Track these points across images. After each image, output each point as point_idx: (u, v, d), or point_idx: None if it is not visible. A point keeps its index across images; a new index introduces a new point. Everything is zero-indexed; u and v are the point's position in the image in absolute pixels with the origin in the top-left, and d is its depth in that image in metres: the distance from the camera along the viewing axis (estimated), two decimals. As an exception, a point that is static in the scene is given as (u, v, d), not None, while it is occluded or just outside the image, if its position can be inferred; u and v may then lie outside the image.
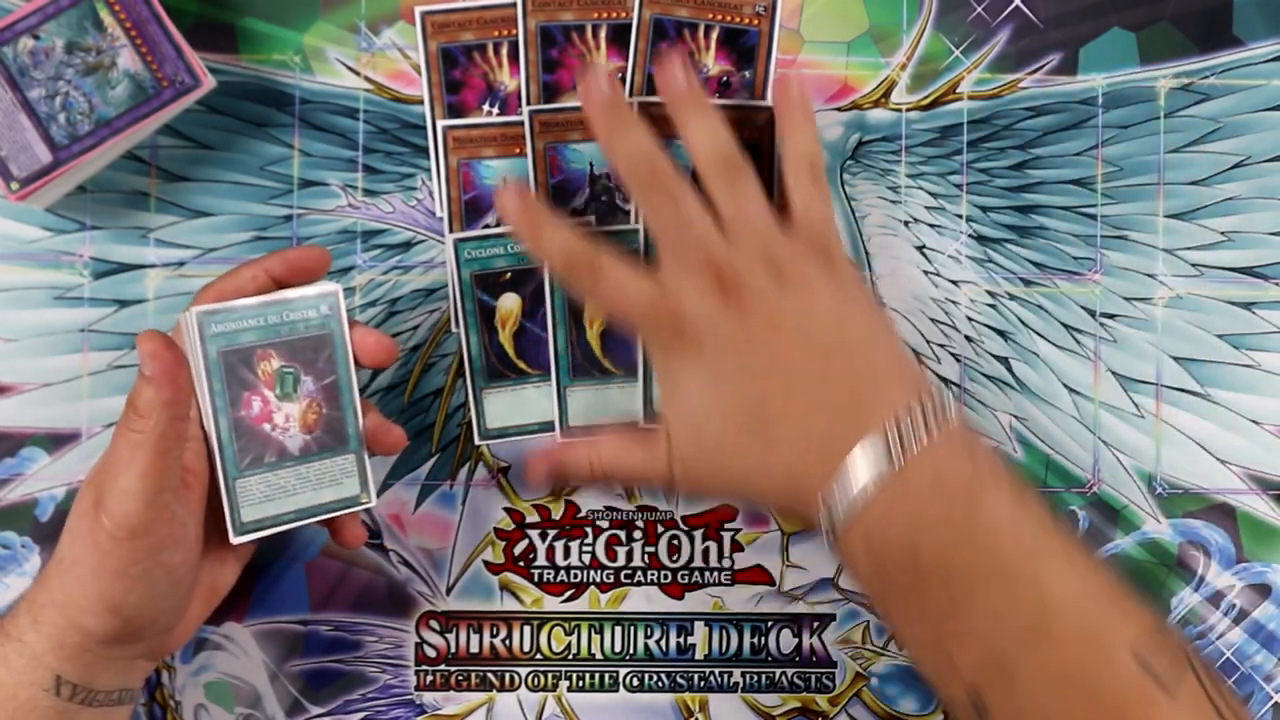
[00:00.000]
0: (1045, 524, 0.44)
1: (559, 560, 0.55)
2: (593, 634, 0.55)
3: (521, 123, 0.53)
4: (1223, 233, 0.56)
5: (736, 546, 0.55)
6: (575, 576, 0.55)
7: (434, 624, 0.55)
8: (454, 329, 0.54)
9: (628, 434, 0.51)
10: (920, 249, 0.56)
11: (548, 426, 0.54)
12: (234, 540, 0.47)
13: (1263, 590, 0.56)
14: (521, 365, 0.54)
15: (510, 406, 0.54)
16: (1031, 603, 0.42)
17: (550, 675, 0.55)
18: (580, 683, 0.55)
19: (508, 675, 0.55)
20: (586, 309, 0.53)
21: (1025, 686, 0.42)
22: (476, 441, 0.54)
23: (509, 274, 0.53)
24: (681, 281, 0.47)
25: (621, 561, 0.55)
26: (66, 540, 0.45)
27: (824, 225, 0.49)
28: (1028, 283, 0.56)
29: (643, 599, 0.55)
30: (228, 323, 0.47)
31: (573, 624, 0.55)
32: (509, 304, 0.54)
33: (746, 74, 0.54)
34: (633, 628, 0.55)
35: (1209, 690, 0.41)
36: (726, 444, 0.46)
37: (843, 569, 0.49)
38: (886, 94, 0.56)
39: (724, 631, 0.55)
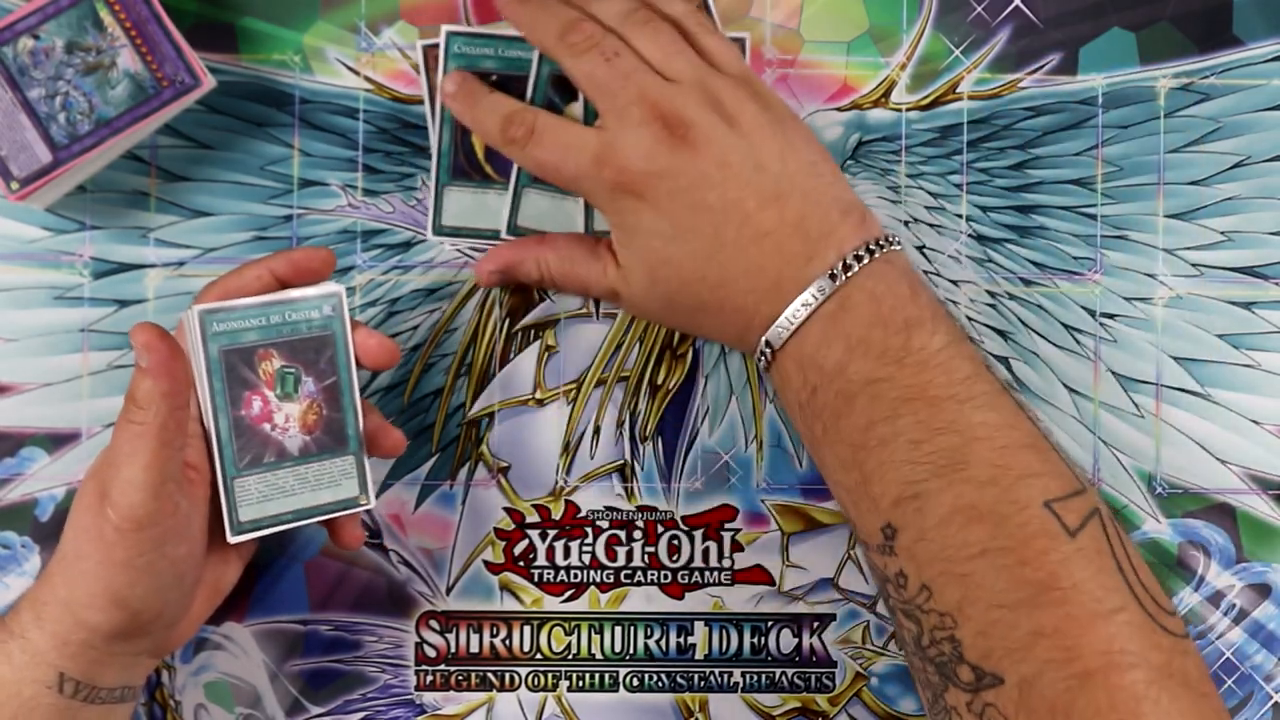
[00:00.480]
0: (978, 366, 0.45)
1: (559, 560, 0.55)
2: (593, 634, 0.55)
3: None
4: (1223, 233, 0.56)
5: (736, 546, 0.55)
6: (575, 576, 0.55)
7: (434, 624, 0.55)
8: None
9: (579, 243, 0.52)
10: (920, 249, 0.56)
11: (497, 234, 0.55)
12: (231, 539, 0.47)
13: (1263, 590, 0.56)
14: (489, 170, 0.54)
15: (469, 208, 0.54)
16: (951, 436, 0.43)
17: (550, 675, 0.55)
18: (580, 683, 0.55)
19: (508, 675, 0.55)
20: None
21: (934, 517, 0.43)
22: (429, 237, 0.54)
23: (495, 77, 0.53)
24: (626, 133, 0.47)
25: (621, 561, 0.55)
26: (70, 535, 0.45)
27: (745, 65, 0.50)
28: (1028, 283, 0.56)
29: (643, 599, 0.55)
30: (229, 321, 0.47)
31: (573, 624, 0.55)
32: None
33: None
34: (633, 628, 0.55)
35: (1111, 540, 0.42)
36: (681, 282, 0.48)
37: (775, 396, 0.51)
38: (886, 94, 0.56)
39: (724, 631, 0.55)
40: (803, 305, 0.46)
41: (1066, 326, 0.56)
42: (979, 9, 0.56)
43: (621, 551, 0.55)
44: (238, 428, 0.47)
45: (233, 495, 0.47)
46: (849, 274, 0.45)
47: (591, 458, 0.55)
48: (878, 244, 0.46)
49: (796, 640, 0.55)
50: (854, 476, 0.45)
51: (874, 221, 0.48)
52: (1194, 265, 0.56)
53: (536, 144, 0.49)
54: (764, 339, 0.47)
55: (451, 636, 0.55)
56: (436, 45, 0.53)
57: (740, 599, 0.55)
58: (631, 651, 0.55)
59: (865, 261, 0.46)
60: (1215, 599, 0.55)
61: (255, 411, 0.47)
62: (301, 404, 0.48)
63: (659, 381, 0.55)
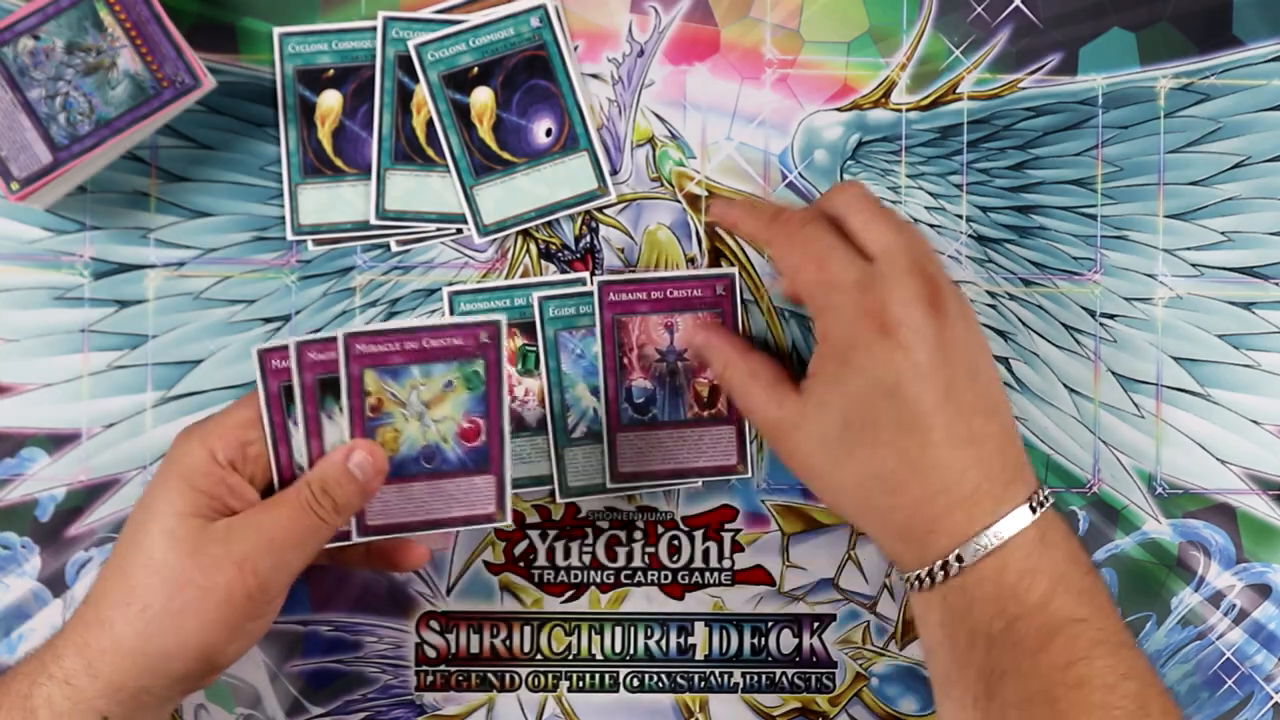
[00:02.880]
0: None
1: (559, 561, 0.55)
2: (593, 634, 0.55)
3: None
4: (1223, 233, 0.56)
5: (737, 547, 0.55)
6: (575, 577, 0.55)
7: (434, 624, 0.55)
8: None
9: (769, 367, 0.49)
10: (920, 249, 0.56)
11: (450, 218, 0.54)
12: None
13: (1263, 590, 0.56)
14: (430, 153, 0.54)
15: (412, 191, 0.54)
16: (1133, 682, 0.43)
17: (550, 675, 0.55)
18: (580, 683, 0.55)
19: (508, 675, 0.55)
20: None
21: None
22: (372, 220, 0.54)
23: (331, 71, 0.54)
24: (895, 275, 0.45)
25: (622, 562, 0.55)
26: (167, 589, 0.44)
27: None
28: (1028, 283, 0.56)
29: (643, 599, 0.55)
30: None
31: (573, 624, 0.55)
32: (330, 101, 0.54)
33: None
34: (633, 628, 0.55)
35: None
36: (876, 443, 0.45)
37: (917, 617, 0.48)
38: (886, 94, 0.56)
39: (724, 632, 0.55)
40: (1009, 528, 0.44)
41: (1067, 327, 0.56)
42: (979, 9, 0.56)
43: (622, 552, 0.55)
44: None
45: None
46: (1042, 508, 0.45)
47: (592, 458, 0.55)
48: (1047, 488, 0.46)
49: (797, 641, 0.55)
50: (1041, 714, 0.43)
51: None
52: (1194, 265, 0.56)
53: (807, 238, 0.47)
54: (955, 552, 0.44)
55: (452, 637, 0.55)
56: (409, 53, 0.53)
57: (740, 599, 0.55)
58: (632, 652, 0.55)
59: (1050, 503, 0.45)
60: (1215, 599, 0.55)
61: None
62: (463, 421, 0.49)
63: (659, 382, 0.55)
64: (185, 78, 0.50)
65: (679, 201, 0.55)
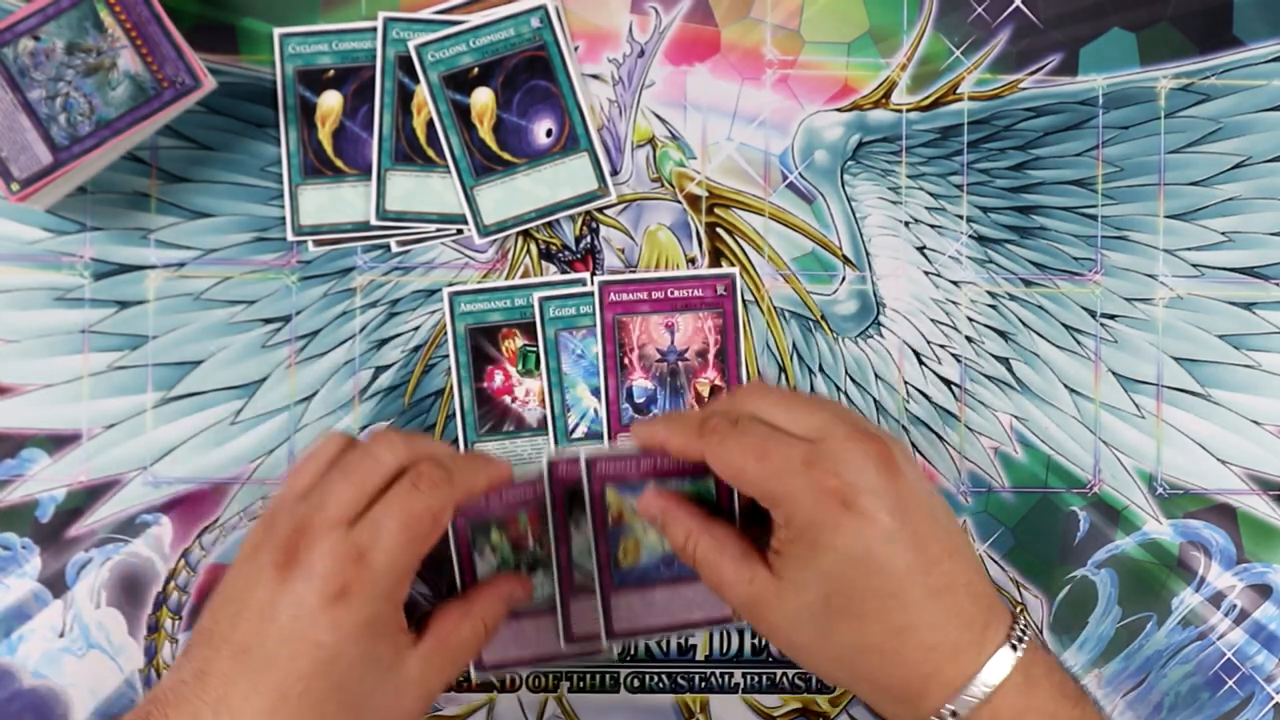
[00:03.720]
0: None
1: (560, 561, 0.55)
2: (593, 635, 0.55)
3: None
4: (1223, 233, 0.56)
5: (737, 547, 0.55)
6: (576, 577, 0.55)
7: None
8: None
9: (735, 540, 0.47)
10: (921, 250, 0.56)
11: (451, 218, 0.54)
12: None
13: (1263, 590, 0.56)
14: (430, 153, 0.54)
15: (412, 191, 0.54)
16: None
17: (551, 676, 0.55)
18: (581, 683, 0.55)
19: (508, 676, 0.55)
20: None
21: None
22: (372, 220, 0.54)
23: (332, 71, 0.54)
24: (842, 446, 0.44)
25: (622, 562, 0.55)
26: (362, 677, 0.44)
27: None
28: (1028, 283, 0.56)
29: (643, 600, 0.55)
30: (476, 302, 0.52)
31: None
32: (330, 101, 0.54)
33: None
34: (633, 628, 0.55)
35: None
36: (858, 616, 0.44)
37: None
38: (887, 94, 0.56)
39: (725, 632, 0.55)
40: (995, 675, 0.43)
41: (1067, 327, 0.56)
42: (979, 10, 0.56)
43: (622, 552, 0.55)
44: (479, 397, 0.51)
45: None
46: (1022, 643, 0.44)
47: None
48: (1024, 618, 0.46)
49: (797, 641, 0.55)
50: None
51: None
52: (1194, 266, 0.56)
53: (739, 435, 0.46)
54: (949, 708, 0.43)
55: (452, 637, 0.55)
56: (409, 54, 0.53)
57: (741, 600, 0.55)
58: (632, 652, 0.55)
59: (1031, 637, 0.45)
60: (1216, 599, 0.55)
61: (497, 384, 0.51)
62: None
63: (660, 382, 0.55)
64: (185, 78, 0.50)
65: (679, 202, 0.55)
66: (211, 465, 0.54)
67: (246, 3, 0.54)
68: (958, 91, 0.56)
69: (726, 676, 0.55)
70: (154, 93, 0.49)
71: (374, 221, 0.54)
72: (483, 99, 0.54)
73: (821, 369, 0.55)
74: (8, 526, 0.53)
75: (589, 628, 0.52)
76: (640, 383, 0.54)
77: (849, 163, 0.55)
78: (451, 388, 0.54)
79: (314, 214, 0.54)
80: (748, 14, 0.55)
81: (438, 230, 0.54)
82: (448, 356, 0.54)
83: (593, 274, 0.55)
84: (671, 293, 0.54)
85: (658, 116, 0.55)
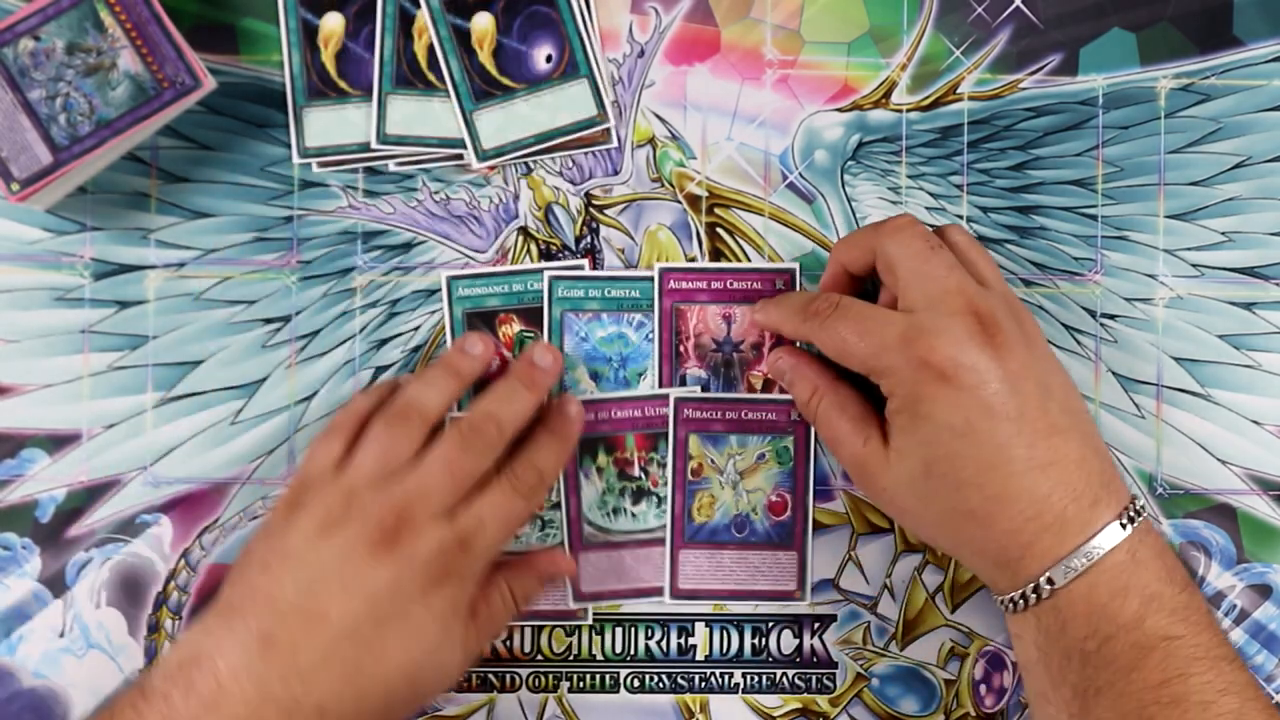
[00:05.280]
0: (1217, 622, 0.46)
1: (560, 561, 0.55)
2: (593, 635, 0.55)
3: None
4: (1223, 233, 0.56)
5: (737, 547, 0.55)
6: (576, 577, 0.55)
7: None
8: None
9: (857, 402, 0.49)
10: (921, 249, 0.56)
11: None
12: None
13: (1263, 591, 0.56)
14: (431, 77, 0.54)
15: (413, 116, 0.54)
16: (1232, 698, 0.44)
17: (551, 676, 0.55)
18: (581, 683, 0.55)
19: (508, 676, 0.55)
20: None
21: None
22: (373, 144, 0.54)
23: None
24: (940, 319, 0.46)
25: (622, 562, 0.55)
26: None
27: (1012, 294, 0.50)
28: (1028, 283, 0.56)
29: (644, 600, 0.55)
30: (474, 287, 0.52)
31: (573, 625, 0.55)
32: (332, 23, 0.54)
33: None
34: (633, 629, 0.55)
35: None
36: (957, 483, 0.45)
37: (1012, 636, 0.48)
38: (887, 94, 0.56)
39: (725, 632, 0.55)
40: (1098, 549, 0.44)
41: (1067, 327, 0.56)
42: (979, 9, 0.56)
43: (622, 552, 0.55)
44: (476, 383, 0.52)
45: None
46: (1134, 523, 0.45)
47: (592, 458, 0.55)
48: (1140, 501, 0.46)
49: (797, 641, 0.55)
50: None
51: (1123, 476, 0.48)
52: (1194, 266, 0.56)
53: (840, 317, 0.48)
54: (1045, 575, 0.45)
55: (452, 637, 0.55)
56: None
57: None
58: (632, 652, 0.55)
59: (1145, 519, 0.46)
60: (1216, 600, 0.55)
61: (493, 369, 0.52)
62: (772, 494, 0.52)
63: (660, 382, 0.55)
64: (185, 78, 0.50)
65: (679, 202, 0.55)
66: (211, 465, 0.54)
67: (246, 3, 0.54)
68: (958, 91, 0.56)
69: (726, 676, 0.55)
70: (154, 93, 0.49)
71: (374, 145, 0.54)
72: (483, 24, 0.54)
73: (821, 369, 0.55)
74: (8, 526, 0.53)
75: (597, 586, 0.52)
76: (694, 371, 0.54)
77: (849, 163, 0.55)
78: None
79: (319, 135, 0.54)
80: (748, 14, 0.55)
81: (437, 154, 0.54)
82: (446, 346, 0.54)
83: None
84: (731, 284, 0.54)
85: (658, 116, 0.55)
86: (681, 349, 0.54)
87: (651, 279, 0.54)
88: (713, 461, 0.52)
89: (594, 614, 0.55)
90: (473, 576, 0.47)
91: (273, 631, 0.44)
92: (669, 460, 0.53)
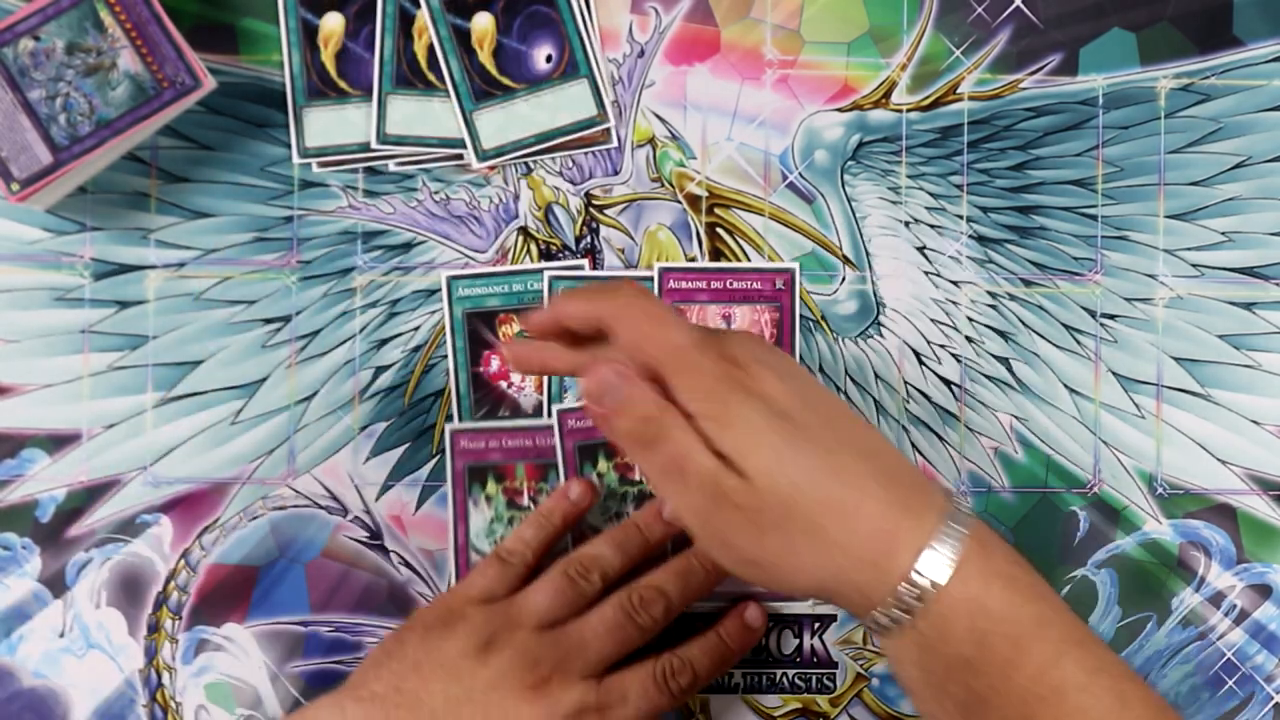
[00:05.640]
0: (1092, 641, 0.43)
1: (560, 561, 0.55)
2: (593, 635, 0.55)
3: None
4: (1223, 233, 0.56)
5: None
6: (576, 577, 0.55)
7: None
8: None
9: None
10: (921, 250, 0.56)
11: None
12: None
13: (1263, 591, 0.56)
14: (431, 77, 0.54)
15: (413, 116, 0.54)
16: (1104, 677, 0.41)
17: (551, 676, 0.55)
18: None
19: (508, 676, 0.55)
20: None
21: None
22: (373, 144, 0.53)
23: None
24: (728, 334, 0.45)
25: (622, 562, 0.55)
26: None
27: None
28: (1028, 283, 0.56)
29: (643, 600, 0.55)
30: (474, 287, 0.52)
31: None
32: (332, 23, 0.54)
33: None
34: (633, 628, 0.55)
35: None
36: (809, 470, 0.42)
37: (893, 666, 0.44)
38: (887, 95, 0.56)
39: (725, 632, 0.55)
40: (954, 533, 0.41)
41: (1067, 327, 0.56)
42: (979, 10, 0.56)
43: (622, 552, 0.55)
44: (475, 382, 0.52)
45: None
46: (961, 534, 0.41)
47: (592, 458, 0.55)
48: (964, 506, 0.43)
49: (797, 641, 0.55)
50: None
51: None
52: (1194, 266, 0.56)
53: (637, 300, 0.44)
54: (916, 572, 0.40)
55: (452, 637, 0.55)
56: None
57: (741, 600, 0.55)
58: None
59: (965, 512, 0.42)
60: (1216, 600, 0.55)
61: (493, 369, 0.52)
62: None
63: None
64: (185, 78, 0.50)
65: (679, 202, 0.55)
66: (211, 465, 0.54)
67: (246, 3, 0.54)
68: (958, 91, 0.56)
69: (726, 676, 0.55)
70: (154, 93, 0.49)
71: (374, 145, 0.54)
72: (483, 23, 0.54)
73: (821, 369, 0.55)
74: (8, 526, 0.53)
75: None
76: None
77: (849, 163, 0.55)
78: (448, 373, 0.54)
79: (319, 135, 0.54)
80: (748, 14, 0.55)
81: (437, 154, 0.54)
82: (448, 356, 0.54)
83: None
84: (730, 284, 0.54)
85: (658, 116, 0.55)
86: None
87: (651, 279, 0.54)
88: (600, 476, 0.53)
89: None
90: None
91: None
92: (600, 467, 0.54)
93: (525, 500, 0.54)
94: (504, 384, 0.54)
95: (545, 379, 0.54)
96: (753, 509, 0.41)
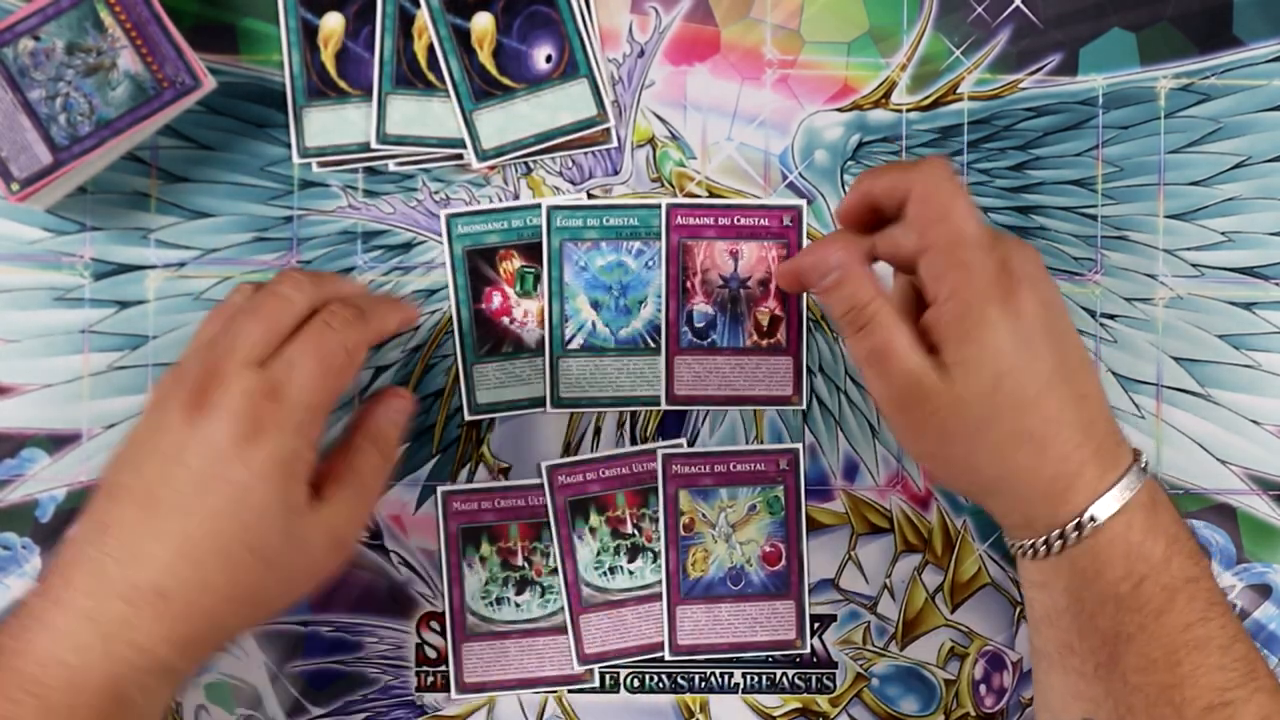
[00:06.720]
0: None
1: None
2: (593, 635, 0.55)
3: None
4: (1223, 233, 0.56)
5: (737, 547, 0.55)
6: (576, 577, 0.55)
7: (435, 625, 0.55)
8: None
9: (907, 318, 0.45)
10: (921, 249, 0.56)
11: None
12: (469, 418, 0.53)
13: (1263, 590, 0.56)
14: (431, 77, 0.54)
15: (413, 116, 0.54)
16: (1243, 645, 0.45)
17: (551, 676, 0.55)
18: (582, 684, 0.55)
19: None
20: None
21: None
22: (373, 144, 0.54)
23: None
24: (1013, 244, 0.45)
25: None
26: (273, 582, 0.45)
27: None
28: (1028, 283, 0.56)
29: (643, 600, 0.55)
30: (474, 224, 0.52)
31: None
32: (332, 23, 0.54)
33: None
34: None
35: None
36: (1022, 399, 0.43)
37: (1034, 586, 0.46)
38: (887, 94, 0.56)
39: (725, 632, 0.55)
40: (1132, 483, 0.44)
41: (1067, 327, 0.56)
42: (979, 9, 0.56)
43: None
44: (478, 319, 0.52)
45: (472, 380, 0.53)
46: (1147, 469, 0.45)
47: (592, 458, 0.55)
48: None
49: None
50: (1163, 679, 0.43)
51: None
52: (1194, 266, 0.56)
53: (959, 195, 0.45)
54: (1089, 511, 0.43)
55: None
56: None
57: (741, 600, 0.55)
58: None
59: (1146, 461, 0.46)
60: (1216, 599, 0.55)
61: (495, 306, 0.52)
62: (765, 545, 0.53)
63: (660, 382, 0.55)
64: (185, 78, 0.50)
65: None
66: (211, 465, 0.54)
67: (246, 3, 0.54)
68: (958, 91, 0.56)
69: (726, 676, 0.55)
70: (154, 93, 0.49)
71: (374, 145, 0.54)
72: (483, 23, 0.54)
73: (821, 369, 0.55)
74: (8, 526, 0.53)
75: (601, 647, 0.53)
76: (701, 307, 0.54)
77: (849, 163, 0.55)
78: (449, 311, 0.54)
79: (319, 135, 0.54)
80: (748, 14, 0.55)
81: (437, 154, 0.54)
82: (449, 356, 0.55)
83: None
84: (738, 220, 0.54)
85: (658, 116, 0.55)
86: (689, 285, 0.54)
87: (651, 207, 0.54)
88: (704, 516, 0.53)
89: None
90: (296, 430, 0.43)
91: (107, 517, 0.42)
92: (660, 516, 0.53)
93: (519, 560, 0.54)
94: (506, 320, 0.54)
95: (547, 315, 0.54)
96: (948, 413, 0.43)
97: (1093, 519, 0.43)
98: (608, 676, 0.55)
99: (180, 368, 0.45)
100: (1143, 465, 0.45)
